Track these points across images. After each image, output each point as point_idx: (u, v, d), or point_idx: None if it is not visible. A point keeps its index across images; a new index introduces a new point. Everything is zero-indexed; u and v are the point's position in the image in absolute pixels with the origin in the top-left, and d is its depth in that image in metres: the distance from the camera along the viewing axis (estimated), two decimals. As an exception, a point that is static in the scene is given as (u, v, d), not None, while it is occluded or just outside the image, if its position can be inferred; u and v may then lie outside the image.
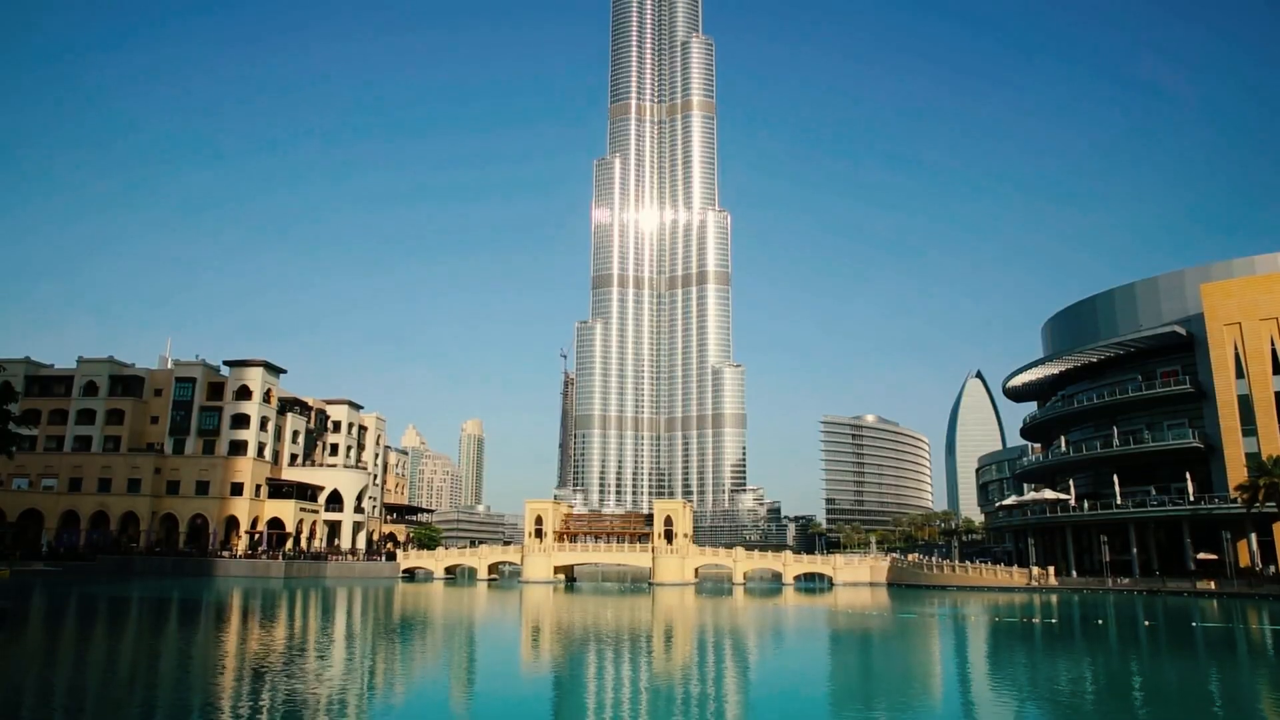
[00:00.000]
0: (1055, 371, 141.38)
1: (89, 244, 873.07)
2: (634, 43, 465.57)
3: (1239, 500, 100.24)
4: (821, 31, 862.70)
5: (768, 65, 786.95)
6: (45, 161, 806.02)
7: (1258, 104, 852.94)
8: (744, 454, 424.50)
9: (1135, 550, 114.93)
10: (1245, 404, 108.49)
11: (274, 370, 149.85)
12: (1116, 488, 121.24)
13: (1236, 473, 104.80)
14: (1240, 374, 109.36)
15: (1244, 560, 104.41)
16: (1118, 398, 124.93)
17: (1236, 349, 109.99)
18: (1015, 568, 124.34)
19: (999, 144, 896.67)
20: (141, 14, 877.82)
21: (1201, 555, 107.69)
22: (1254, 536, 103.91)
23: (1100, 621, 68.79)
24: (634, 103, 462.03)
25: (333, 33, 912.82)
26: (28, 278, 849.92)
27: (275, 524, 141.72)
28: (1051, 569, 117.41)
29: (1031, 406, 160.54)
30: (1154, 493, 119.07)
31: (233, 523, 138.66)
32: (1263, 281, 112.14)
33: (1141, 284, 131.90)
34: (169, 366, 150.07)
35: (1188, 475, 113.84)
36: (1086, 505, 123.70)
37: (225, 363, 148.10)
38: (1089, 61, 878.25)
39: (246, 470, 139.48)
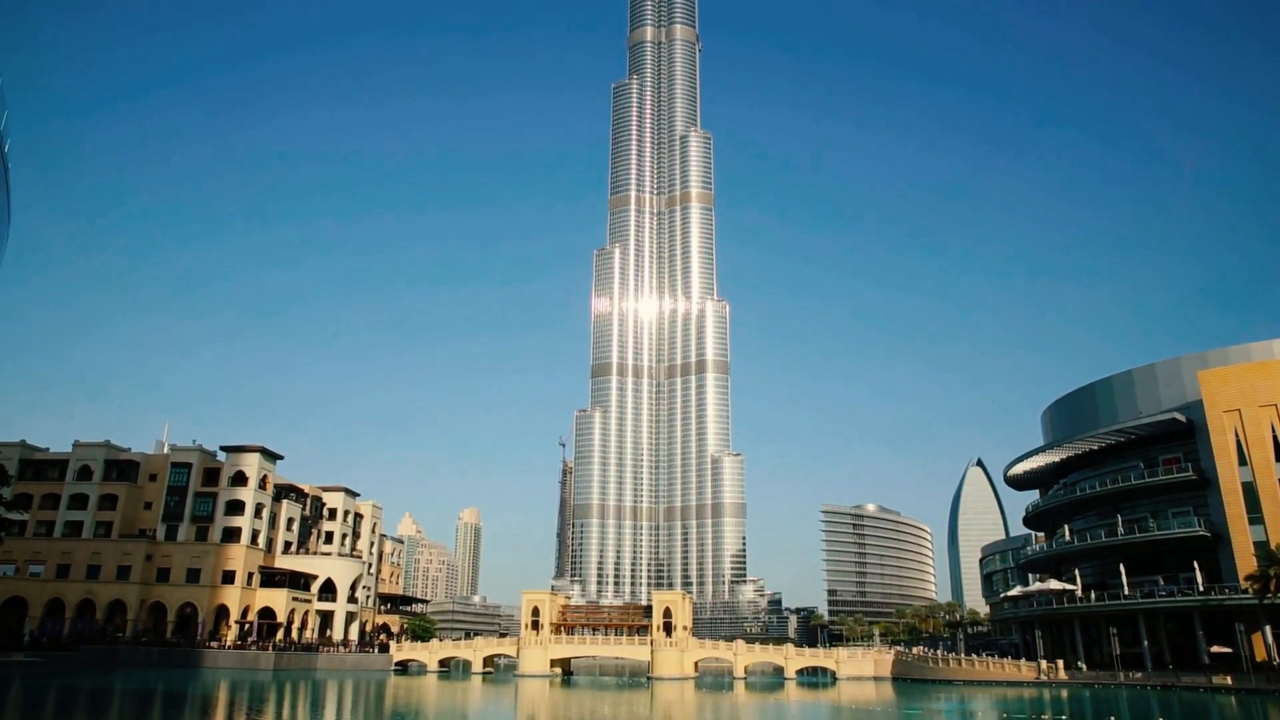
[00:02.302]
0: (1056, 459, 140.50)
1: (84, 323, 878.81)
2: (634, 136, 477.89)
3: (1250, 591, 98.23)
4: (821, 114, 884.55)
5: (766, 154, 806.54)
6: (36, 234, 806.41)
7: (1268, 173, 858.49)
8: (744, 544, 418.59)
9: (1146, 643, 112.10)
10: (1250, 491, 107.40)
11: (270, 456, 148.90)
12: (1123, 577, 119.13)
13: (1246, 562, 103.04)
14: (1243, 461, 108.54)
15: (1260, 654, 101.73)
16: (1120, 485, 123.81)
17: (1238, 436, 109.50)
18: (1023, 661, 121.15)
19: (1002, 220, 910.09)
20: (132, 80, 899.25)
21: (1215, 648, 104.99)
22: (1269, 629, 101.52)
23: (1114, 719, 66.66)
24: (633, 194, 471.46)
25: (327, 107, 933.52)
26: (24, 358, 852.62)
27: (266, 614, 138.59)
28: (1060, 662, 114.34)
29: (1034, 495, 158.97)
30: (1162, 583, 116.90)
31: (223, 612, 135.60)
32: (1260, 368, 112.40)
33: (1139, 371, 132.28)
34: (165, 451, 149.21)
35: (1195, 565, 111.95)
36: (1093, 596, 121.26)
37: (222, 448, 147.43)
38: (1096, 131, 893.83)
39: (239, 558, 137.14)
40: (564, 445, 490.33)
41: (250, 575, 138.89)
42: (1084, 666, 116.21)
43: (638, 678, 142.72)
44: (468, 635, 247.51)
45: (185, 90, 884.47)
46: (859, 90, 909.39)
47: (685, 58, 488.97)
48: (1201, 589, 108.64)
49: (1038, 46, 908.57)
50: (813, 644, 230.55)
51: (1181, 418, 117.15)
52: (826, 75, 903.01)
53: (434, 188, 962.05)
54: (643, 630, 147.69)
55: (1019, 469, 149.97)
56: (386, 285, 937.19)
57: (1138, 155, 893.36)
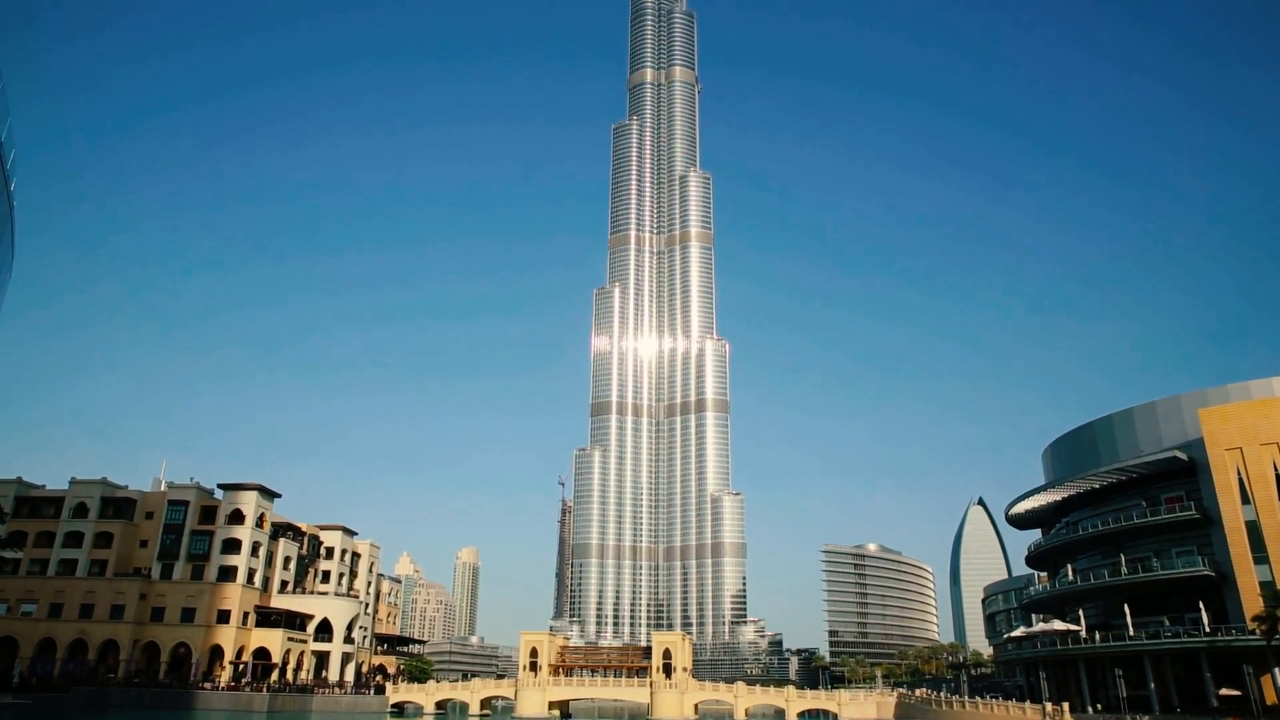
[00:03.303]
0: (1058, 498, 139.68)
1: (83, 358, 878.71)
2: (633, 176, 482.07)
3: (1258, 632, 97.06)
4: (820, 148, 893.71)
5: (766, 189, 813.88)
6: (35, 264, 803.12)
7: (1270, 208, 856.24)
8: (744, 584, 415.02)
9: (1153, 685, 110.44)
10: (1254, 530, 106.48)
11: (268, 494, 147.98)
12: (1128, 618, 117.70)
13: (1252, 602, 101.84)
14: (1246, 500, 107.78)
15: (1270, 697, 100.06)
16: (1123, 524, 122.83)
17: (1240, 474, 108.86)
18: (1028, 704, 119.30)
19: (1002, 253, 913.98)
20: (130, 106, 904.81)
21: (1224, 691, 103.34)
22: (1278, 671, 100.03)
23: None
24: (633, 233, 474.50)
25: (327, 138, 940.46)
26: (24, 393, 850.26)
27: (261, 654, 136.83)
28: (1066, 705, 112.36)
29: (1036, 534, 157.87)
30: (1167, 623, 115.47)
31: (217, 652, 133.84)
32: (1261, 406, 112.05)
33: (1139, 409, 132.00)
34: (162, 488, 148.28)
35: (1201, 605, 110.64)
36: (1098, 636, 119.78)
37: (219, 485, 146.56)
38: (1097, 162, 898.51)
39: (235, 597, 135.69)
40: (563, 484, 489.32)
41: (246, 615, 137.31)
42: (1099, 707, 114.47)
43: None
44: (465, 676, 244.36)
45: (184, 118, 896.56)
46: (859, 124, 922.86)
47: (684, 99, 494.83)
48: (1208, 630, 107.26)
49: (1038, 75, 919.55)
50: (814, 686, 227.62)
51: (1183, 456, 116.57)
52: (826, 110, 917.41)
53: (433, 224, 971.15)
54: (642, 672, 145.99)
55: (1020, 508, 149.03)
56: (387, 321, 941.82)
57: (1138, 187, 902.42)
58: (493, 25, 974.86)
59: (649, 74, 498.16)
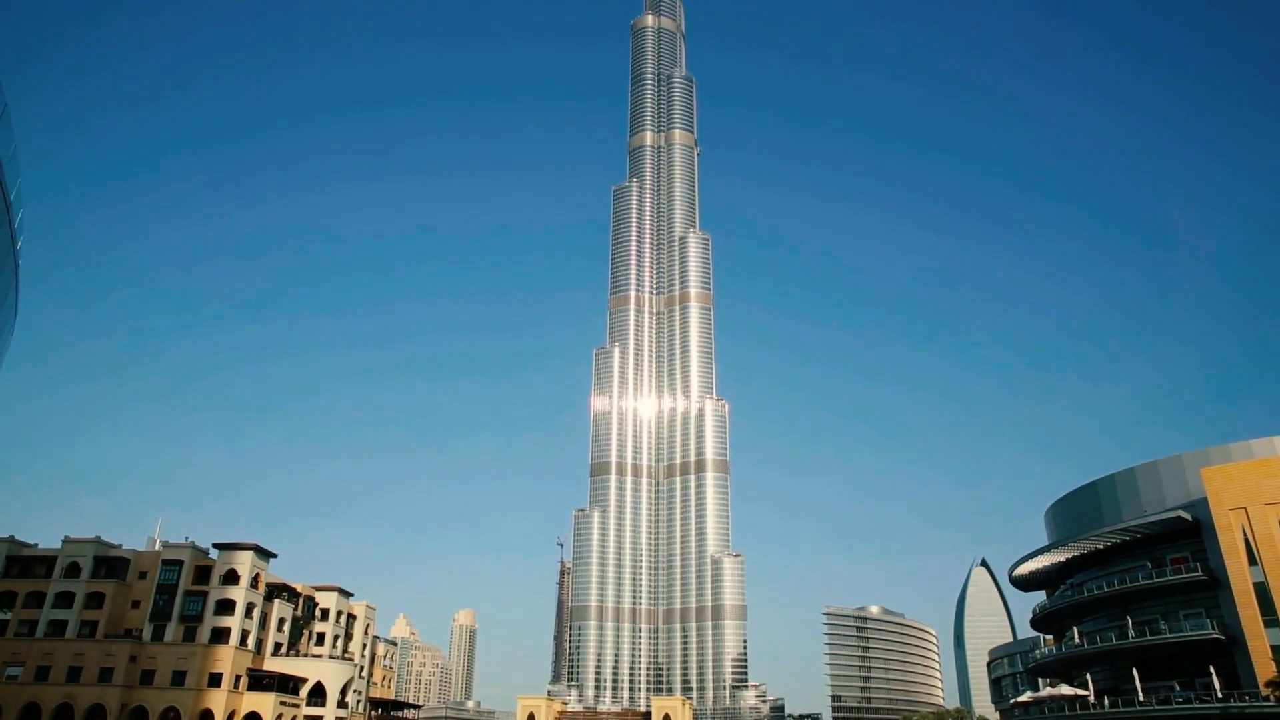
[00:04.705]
0: (1061, 559, 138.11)
1: (84, 415, 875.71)
2: (633, 237, 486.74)
3: (1272, 698, 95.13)
4: (820, 200, 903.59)
5: (765, 247, 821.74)
6: (34, 317, 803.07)
7: (1271, 263, 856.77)
8: (745, 647, 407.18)
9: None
10: (1262, 592, 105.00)
11: (264, 555, 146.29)
12: (1137, 683, 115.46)
13: (1264, 667, 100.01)
14: (1253, 560, 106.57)
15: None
16: (1128, 586, 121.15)
17: (1246, 535, 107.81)
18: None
19: (1002, 307, 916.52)
20: (128, 156, 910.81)
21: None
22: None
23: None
24: (633, 294, 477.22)
25: (325, 188, 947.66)
26: (24, 452, 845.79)
27: (252, 719, 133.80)
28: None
29: (1040, 595, 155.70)
30: (1178, 688, 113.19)
31: (207, 716, 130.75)
32: (1264, 466, 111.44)
33: (1141, 468, 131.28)
34: (157, 548, 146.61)
35: (1212, 669, 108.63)
36: (1107, 702, 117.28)
37: (214, 545, 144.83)
38: (1097, 209, 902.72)
39: (227, 660, 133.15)
40: (561, 545, 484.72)
41: (238, 678, 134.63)
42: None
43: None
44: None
45: (182, 167, 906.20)
46: (859, 178, 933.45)
47: (684, 162, 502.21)
48: (1220, 695, 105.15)
49: (1039, 122, 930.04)
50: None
51: (1187, 516, 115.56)
52: (826, 166, 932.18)
53: (433, 280, 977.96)
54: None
55: (1023, 569, 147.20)
56: (386, 379, 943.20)
57: (1139, 238, 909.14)
58: (495, 85, 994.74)
59: (649, 137, 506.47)
